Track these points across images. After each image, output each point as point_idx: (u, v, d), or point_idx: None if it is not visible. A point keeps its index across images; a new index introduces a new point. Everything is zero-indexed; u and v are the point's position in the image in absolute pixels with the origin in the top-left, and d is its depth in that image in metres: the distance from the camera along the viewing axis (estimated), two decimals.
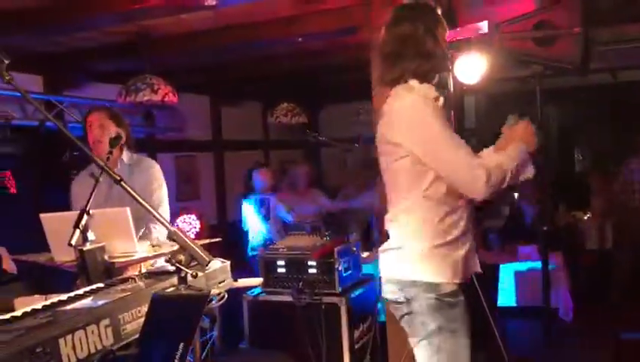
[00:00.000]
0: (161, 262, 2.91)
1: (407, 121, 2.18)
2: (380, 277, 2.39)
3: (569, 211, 7.33)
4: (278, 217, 5.86)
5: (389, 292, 2.30)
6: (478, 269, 2.34)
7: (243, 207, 6.05)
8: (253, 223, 5.91)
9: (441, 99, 2.28)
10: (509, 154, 2.19)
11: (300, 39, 4.78)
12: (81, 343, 1.44)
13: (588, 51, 3.51)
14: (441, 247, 2.19)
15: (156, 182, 3.35)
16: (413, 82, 2.24)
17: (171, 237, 1.57)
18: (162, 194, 3.37)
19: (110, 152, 2.94)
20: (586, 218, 7.29)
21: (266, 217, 5.80)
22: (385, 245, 2.35)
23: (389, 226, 2.36)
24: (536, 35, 3.59)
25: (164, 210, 3.33)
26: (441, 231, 2.19)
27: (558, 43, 3.53)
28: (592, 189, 7.61)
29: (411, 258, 2.22)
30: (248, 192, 6.17)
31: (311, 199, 6.28)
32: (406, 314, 2.23)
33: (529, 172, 2.26)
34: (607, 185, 7.11)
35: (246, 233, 6.07)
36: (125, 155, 3.35)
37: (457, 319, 2.18)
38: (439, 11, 2.33)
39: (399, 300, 2.25)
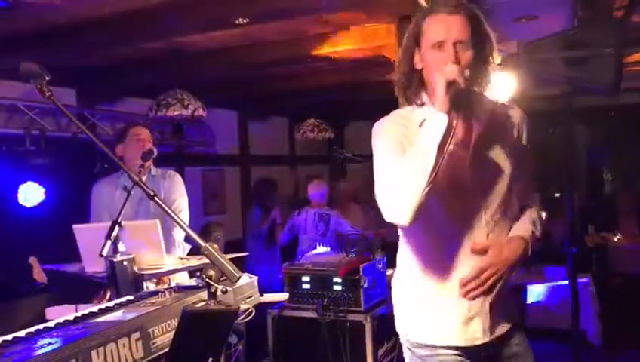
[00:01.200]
0: (180, 277, 2.96)
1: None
2: None
3: (598, 232, 7.20)
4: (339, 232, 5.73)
5: None
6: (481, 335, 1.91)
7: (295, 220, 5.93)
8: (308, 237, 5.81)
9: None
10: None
11: (328, 57, 4.81)
12: (112, 356, 1.46)
13: (619, 71, 3.48)
14: (418, 294, 1.98)
15: (177, 191, 3.48)
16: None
17: (203, 252, 1.59)
18: (183, 202, 3.49)
19: (142, 165, 3.00)
20: (615, 239, 7.16)
21: (324, 233, 5.69)
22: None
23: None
24: (566, 54, 3.57)
25: (184, 218, 3.42)
26: (417, 270, 1.95)
27: (589, 63, 3.51)
28: (621, 210, 7.48)
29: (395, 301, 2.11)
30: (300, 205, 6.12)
31: (351, 216, 6.26)
32: None
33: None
34: (637, 206, 6.97)
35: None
36: (152, 168, 3.47)
37: None
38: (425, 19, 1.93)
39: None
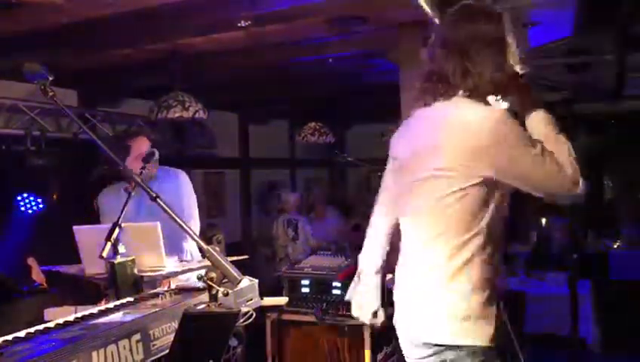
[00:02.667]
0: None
1: (496, 145, 1.77)
2: None
3: (598, 239, 7.20)
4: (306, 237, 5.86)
5: (415, 353, 1.95)
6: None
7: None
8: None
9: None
10: (554, 139, 1.81)
11: (330, 60, 4.81)
12: (112, 357, 1.46)
13: (622, 78, 3.49)
14: (488, 301, 1.84)
15: (184, 193, 3.43)
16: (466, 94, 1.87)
17: (204, 254, 1.58)
18: (192, 203, 3.44)
19: (143, 167, 2.99)
20: (615, 246, 7.16)
21: (295, 238, 5.78)
22: (409, 290, 2.02)
23: (417, 268, 1.96)
24: (569, 60, 3.58)
25: (195, 223, 3.38)
26: (488, 281, 1.84)
27: (591, 69, 3.51)
28: (621, 217, 7.48)
29: (453, 314, 1.84)
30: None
31: (326, 221, 6.31)
32: None
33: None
34: (637, 212, 6.97)
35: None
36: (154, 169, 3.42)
37: None
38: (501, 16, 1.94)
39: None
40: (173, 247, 3.07)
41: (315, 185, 7.49)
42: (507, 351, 2.13)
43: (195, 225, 3.40)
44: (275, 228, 5.93)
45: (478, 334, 1.77)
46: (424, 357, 1.87)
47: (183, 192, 3.44)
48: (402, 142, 2.07)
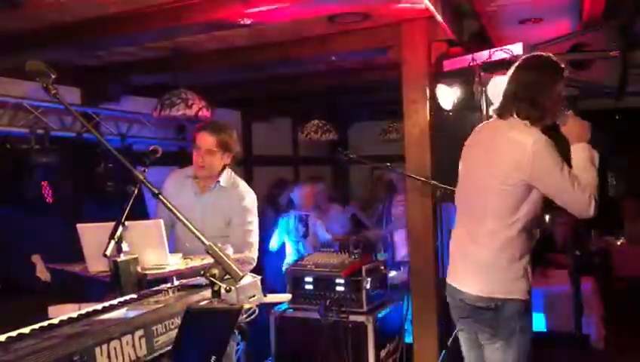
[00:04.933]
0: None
1: (538, 160, 2.41)
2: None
3: (602, 236, 7.19)
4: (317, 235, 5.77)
5: (475, 300, 2.56)
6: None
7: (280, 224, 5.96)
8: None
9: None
10: (585, 165, 2.48)
11: (333, 58, 4.81)
12: (116, 353, 1.47)
13: (625, 75, 3.48)
14: (526, 269, 2.54)
15: (248, 218, 3.27)
16: (525, 122, 2.51)
17: (207, 251, 1.59)
18: (255, 231, 3.30)
19: (146, 165, 2.99)
20: (619, 243, 7.15)
21: (305, 235, 5.70)
22: (471, 258, 2.62)
23: (478, 242, 2.58)
24: (572, 57, 3.56)
25: (254, 247, 3.27)
26: (526, 252, 2.54)
27: (594, 66, 3.50)
28: (625, 214, 7.47)
29: (503, 278, 2.52)
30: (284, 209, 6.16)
31: (331, 217, 6.29)
32: (490, 318, 2.54)
33: (597, 160, 2.54)
34: None
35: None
36: (223, 177, 3.35)
37: (530, 322, 2.60)
38: (565, 71, 2.58)
39: (484, 307, 2.53)
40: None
41: (317, 182, 7.43)
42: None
43: (253, 251, 3.27)
44: (286, 223, 5.86)
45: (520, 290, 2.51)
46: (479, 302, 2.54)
47: (246, 219, 3.27)
48: (470, 150, 2.74)
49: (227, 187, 3.33)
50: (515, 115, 2.52)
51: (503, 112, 2.57)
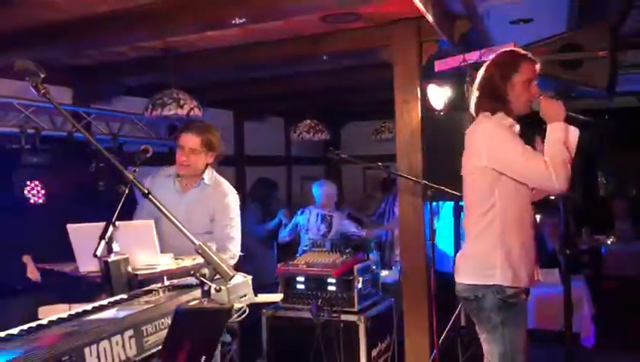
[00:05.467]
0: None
1: (487, 142, 2.58)
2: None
3: (592, 235, 7.23)
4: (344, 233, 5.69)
5: (462, 290, 2.68)
6: (538, 277, 2.76)
7: (298, 218, 5.88)
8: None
9: (517, 127, 2.68)
10: (551, 142, 2.55)
11: (325, 58, 4.81)
12: (105, 353, 1.47)
13: (614, 74, 3.50)
14: (509, 257, 2.57)
15: (230, 214, 3.37)
16: (495, 115, 2.66)
17: (197, 250, 1.59)
18: (237, 228, 3.40)
19: (136, 164, 2.98)
20: (609, 242, 7.19)
21: (326, 234, 5.60)
22: (462, 250, 2.78)
23: (466, 233, 2.75)
24: (561, 57, 3.58)
25: (237, 243, 3.35)
26: (510, 240, 2.57)
27: (584, 66, 3.52)
28: (615, 213, 7.51)
29: (484, 265, 2.59)
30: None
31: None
32: (474, 308, 2.64)
33: (573, 136, 2.62)
34: (631, 209, 7.00)
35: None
36: (207, 175, 3.44)
37: (518, 315, 2.60)
38: (526, 62, 2.68)
39: (470, 298, 2.63)
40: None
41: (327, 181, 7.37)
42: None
43: (235, 246, 3.36)
44: (307, 218, 5.81)
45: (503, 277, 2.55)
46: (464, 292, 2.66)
47: (228, 217, 3.37)
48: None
49: (210, 185, 3.43)
50: (482, 111, 2.68)
51: (475, 111, 2.74)
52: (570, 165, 2.52)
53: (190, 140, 3.33)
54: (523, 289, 2.61)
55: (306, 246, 5.61)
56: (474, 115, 2.76)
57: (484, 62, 3.60)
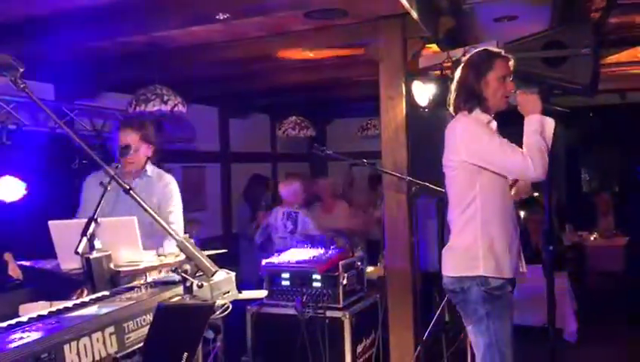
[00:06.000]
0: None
1: (465, 137, 2.67)
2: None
3: (575, 231, 7.30)
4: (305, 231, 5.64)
5: (448, 283, 2.75)
6: (523, 269, 2.83)
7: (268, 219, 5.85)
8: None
9: (494, 123, 2.76)
10: (527, 134, 2.63)
11: (310, 54, 4.81)
12: (85, 350, 1.45)
13: (597, 72, 3.53)
14: (492, 249, 2.63)
15: (172, 202, 3.49)
16: (473, 112, 2.75)
17: (179, 246, 1.58)
18: (178, 214, 3.50)
19: (119, 161, 2.97)
20: (592, 238, 7.26)
21: (293, 231, 5.59)
22: (448, 244, 2.83)
23: (452, 227, 2.81)
24: (545, 54, 3.60)
25: (179, 228, 3.42)
26: (491, 232, 2.64)
27: (567, 63, 3.54)
28: (598, 210, 7.59)
29: (468, 257, 2.66)
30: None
31: (336, 214, 6.23)
32: (461, 301, 2.72)
33: (549, 127, 2.67)
34: (614, 205, 7.08)
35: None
36: (148, 167, 3.52)
37: (503, 307, 2.65)
38: (500, 59, 2.77)
39: (456, 290, 2.70)
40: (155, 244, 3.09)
41: (322, 177, 7.30)
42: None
43: (179, 230, 3.43)
44: (273, 218, 5.80)
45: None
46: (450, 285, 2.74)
47: (172, 201, 3.49)
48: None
49: (153, 176, 3.52)
50: (460, 110, 2.78)
51: (453, 110, 2.84)
52: (547, 154, 2.60)
53: (130, 137, 3.39)
54: (507, 281, 2.67)
55: (278, 247, 5.63)
56: (452, 113, 2.85)
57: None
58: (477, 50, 2.90)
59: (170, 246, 3.10)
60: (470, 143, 2.66)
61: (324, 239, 5.09)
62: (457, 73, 2.85)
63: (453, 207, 2.79)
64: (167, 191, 3.49)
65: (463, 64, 2.85)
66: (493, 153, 2.62)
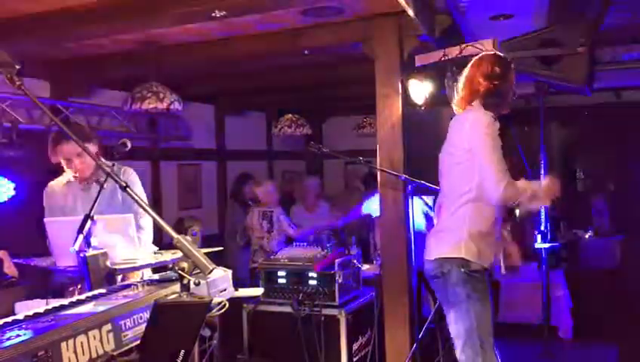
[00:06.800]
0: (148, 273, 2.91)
1: (478, 127, 2.69)
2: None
3: (570, 229, 7.32)
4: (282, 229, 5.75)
5: (429, 269, 2.82)
6: (503, 271, 3.12)
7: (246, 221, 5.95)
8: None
9: (497, 124, 2.76)
10: (532, 188, 2.74)
11: (305, 52, 4.80)
12: (82, 347, 1.45)
13: (592, 70, 3.54)
14: (475, 236, 2.71)
15: (136, 190, 3.27)
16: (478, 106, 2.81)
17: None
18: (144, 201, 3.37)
19: (115, 158, 2.95)
20: (587, 236, 7.29)
21: (269, 230, 5.68)
22: (433, 229, 2.95)
23: (439, 214, 2.91)
24: (541, 53, 3.62)
25: (145, 220, 3.27)
26: (479, 222, 2.72)
27: (562, 62, 3.56)
28: (593, 208, 7.62)
29: (451, 239, 2.74)
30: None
31: (319, 213, 6.26)
32: (442, 287, 2.78)
33: (535, 208, 2.97)
34: (608, 203, 7.10)
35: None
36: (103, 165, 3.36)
37: (483, 290, 2.71)
38: (513, 69, 2.87)
39: (437, 275, 2.76)
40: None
41: (308, 177, 7.31)
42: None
43: (146, 222, 3.29)
44: (250, 219, 5.86)
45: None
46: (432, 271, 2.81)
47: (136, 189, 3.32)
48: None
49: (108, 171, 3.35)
50: (471, 105, 2.82)
51: (462, 104, 2.87)
52: (520, 202, 2.71)
53: (69, 149, 3.18)
54: (486, 270, 2.74)
55: (255, 247, 5.67)
56: (457, 109, 2.90)
57: (465, 57, 3.65)
58: (490, 56, 2.93)
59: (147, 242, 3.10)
60: (476, 137, 2.68)
61: (322, 237, 5.12)
62: (468, 74, 2.88)
63: (446, 194, 2.86)
64: (130, 182, 3.34)
65: (476, 68, 2.87)
66: (489, 163, 2.65)
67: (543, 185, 2.85)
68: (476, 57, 2.92)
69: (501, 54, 2.99)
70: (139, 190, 3.33)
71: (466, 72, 2.89)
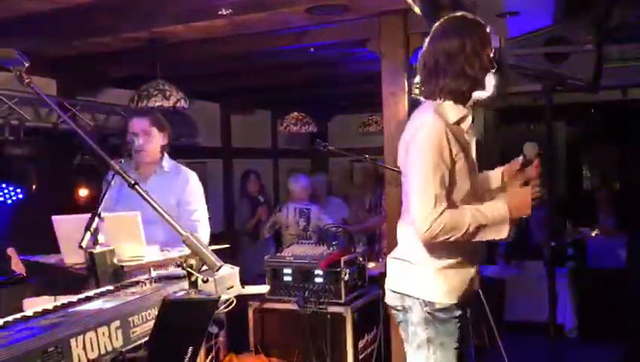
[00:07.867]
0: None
1: (416, 139, 2.19)
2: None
3: (576, 227, 7.31)
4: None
5: (390, 298, 2.41)
6: (477, 288, 2.38)
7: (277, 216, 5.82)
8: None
9: (469, 118, 2.28)
10: (483, 213, 2.14)
11: (311, 50, 4.80)
12: (91, 344, 1.46)
13: (599, 68, 3.53)
14: (443, 269, 2.23)
15: (195, 199, 3.37)
16: (445, 102, 2.24)
17: (184, 241, 1.59)
18: (203, 212, 3.40)
19: (122, 156, 2.97)
20: (593, 234, 7.27)
21: (306, 228, 5.49)
22: (393, 253, 2.45)
23: (399, 235, 2.44)
24: (547, 50, 3.60)
25: (204, 227, 3.35)
26: (445, 252, 2.23)
27: (569, 59, 3.55)
28: (599, 206, 7.60)
29: (414, 274, 2.29)
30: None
31: (333, 206, 6.23)
32: (402, 321, 2.37)
33: (500, 235, 2.16)
34: (614, 201, 7.08)
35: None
36: (165, 161, 3.43)
37: (449, 334, 2.22)
38: (488, 29, 2.26)
39: (397, 308, 2.37)
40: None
41: (317, 173, 7.28)
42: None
43: (204, 232, 3.37)
44: (285, 214, 5.72)
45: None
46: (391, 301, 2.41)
47: (194, 202, 3.38)
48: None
49: (170, 172, 3.42)
50: (438, 94, 2.23)
51: (427, 93, 2.29)
52: (460, 237, 2.12)
53: (139, 123, 3.31)
54: (457, 305, 2.24)
55: (288, 244, 5.60)
56: (425, 97, 2.33)
57: None
58: (463, 14, 2.33)
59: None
60: (411, 157, 2.18)
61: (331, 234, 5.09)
62: (429, 44, 2.25)
63: (405, 217, 2.34)
64: (189, 189, 3.36)
65: (449, 30, 2.23)
66: (416, 189, 2.13)
67: (513, 200, 2.17)
68: (446, 23, 2.34)
69: (470, 16, 2.33)
70: (198, 197, 3.39)
71: (439, 43, 2.28)
